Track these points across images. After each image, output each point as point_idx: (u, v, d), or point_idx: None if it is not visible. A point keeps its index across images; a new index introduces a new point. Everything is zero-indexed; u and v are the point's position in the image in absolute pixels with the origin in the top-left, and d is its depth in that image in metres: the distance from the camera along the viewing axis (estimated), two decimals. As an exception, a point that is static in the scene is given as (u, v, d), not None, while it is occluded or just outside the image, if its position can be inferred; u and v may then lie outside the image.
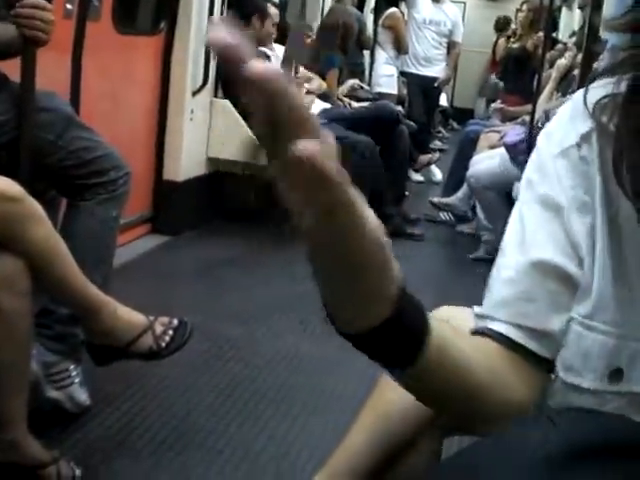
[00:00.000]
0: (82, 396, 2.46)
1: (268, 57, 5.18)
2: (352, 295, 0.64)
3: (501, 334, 0.85)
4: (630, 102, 0.80)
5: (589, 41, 2.75)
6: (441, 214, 5.89)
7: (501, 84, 8.30)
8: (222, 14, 4.81)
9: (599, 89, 0.84)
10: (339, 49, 6.30)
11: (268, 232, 4.55)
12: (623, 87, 0.82)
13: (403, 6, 8.10)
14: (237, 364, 2.97)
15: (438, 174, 7.75)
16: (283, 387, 2.82)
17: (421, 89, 7.84)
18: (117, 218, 2.55)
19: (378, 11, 8.00)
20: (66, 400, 2.43)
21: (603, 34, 3.54)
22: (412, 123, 6.63)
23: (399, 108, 7.15)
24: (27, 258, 1.97)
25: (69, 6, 3.47)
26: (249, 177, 4.85)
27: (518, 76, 7.17)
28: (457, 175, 5.82)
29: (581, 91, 0.87)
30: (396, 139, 5.56)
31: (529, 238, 0.87)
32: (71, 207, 2.50)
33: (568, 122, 0.87)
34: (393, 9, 7.66)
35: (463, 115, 10.90)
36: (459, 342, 0.78)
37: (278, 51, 5.28)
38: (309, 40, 6.26)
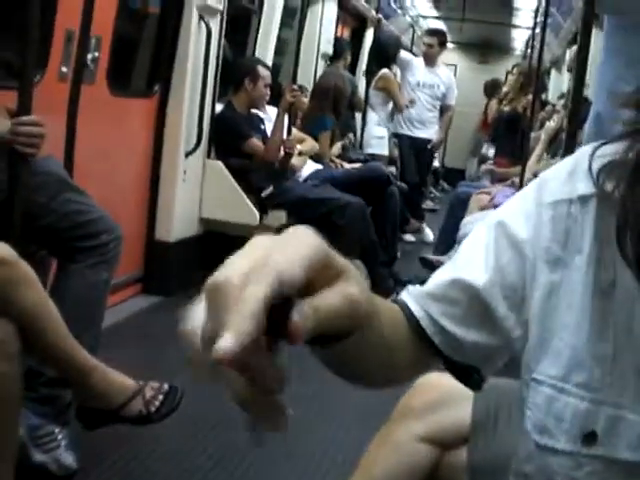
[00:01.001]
0: (69, 459, 2.43)
1: (261, 120, 5.24)
2: None
3: (415, 317, 0.90)
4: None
5: (574, 103, 2.79)
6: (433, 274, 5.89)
7: (491, 148, 8.40)
8: (216, 77, 4.88)
9: (604, 157, 0.85)
10: (331, 112, 6.38)
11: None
12: (632, 155, 0.82)
13: (395, 68, 8.21)
14: (226, 428, 2.94)
15: (429, 234, 7.79)
16: (273, 452, 2.78)
17: (414, 150, 7.92)
18: (107, 281, 2.56)
19: (370, 73, 8.11)
20: (52, 463, 2.40)
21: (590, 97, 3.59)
22: (404, 184, 6.69)
23: (391, 169, 7.23)
24: (17, 321, 1.97)
25: (64, 69, 3.52)
26: (241, 238, 4.85)
27: (508, 138, 7.24)
28: (448, 236, 5.83)
29: (585, 149, 0.87)
30: (387, 200, 5.60)
31: (480, 259, 0.89)
32: (62, 269, 2.51)
33: (566, 177, 0.87)
34: (385, 70, 7.77)
35: (454, 175, 10.99)
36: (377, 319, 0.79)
37: (271, 113, 5.33)
38: (304, 103, 6.33)
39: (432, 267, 5.83)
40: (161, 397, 2.27)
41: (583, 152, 0.88)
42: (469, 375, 0.92)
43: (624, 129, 0.84)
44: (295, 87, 5.21)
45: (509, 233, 0.88)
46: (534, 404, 0.85)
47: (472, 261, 0.89)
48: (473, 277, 0.88)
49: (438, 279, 0.92)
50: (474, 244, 0.91)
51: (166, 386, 2.30)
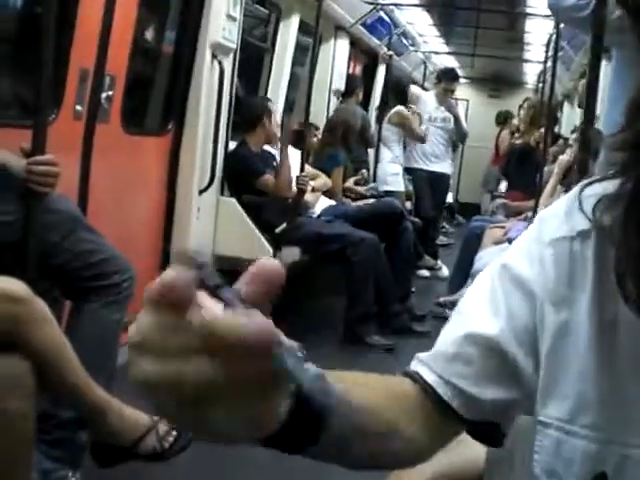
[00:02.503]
0: None
1: (274, 157, 5.26)
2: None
3: (429, 385, 0.86)
4: (635, 205, 0.80)
5: (584, 136, 2.79)
6: (448, 310, 5.87)
7: (503, 180, 8.41)
8: (229, 118, 4.91)
9: (595, 195, 0.85)
10: (342, 147, 6.41)
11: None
12: (627, 188, 0.81)
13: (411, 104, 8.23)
14: (242, 465, 2.91)
15: (444, 270, 7.76)
16: (287, 469, 2.75)
17: (429, 185, 7.90)
18: (120, 321, 2.56)
19: (382, 109, 8.15)
20: None
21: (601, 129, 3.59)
22: (417, 219, 6.68)
23: (408, 204, 7.24)
24: (33, 359, 1.97)
25: (79, 107, 3.55)
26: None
27: (521, 171, 7.25)
28: (463, 270, 5.82)
29: (580, 185, 0.87)
30: (400, 236, 5.59)
31: (488, 309, 0.86)
32: (75, 309, 2.51)
33: (564, 215, 0.87)
34: (400, 107, 7.78)
35: (468, 210, 10.99)
36: (357, 411, 0.76)
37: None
38: (315, 139, 6.36)
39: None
40: (175, 433, 2.26)
41: (576, 191, 0.87)
42: (489, 432, 0.89)
43: (613, 168, 0.84)
44: (304, 175, 5.23)
45: (514, 274, 0.87)
46: (542, 447, 0.84)
47: (480, 311, 0.87)
48: (484, 328, 0.85)
49: (448, 337, 0.88)
50: (480, 293, 0.89)
51: None
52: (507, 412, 0.88)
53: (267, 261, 0.56)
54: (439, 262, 7.90)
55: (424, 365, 0.88)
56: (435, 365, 0.87)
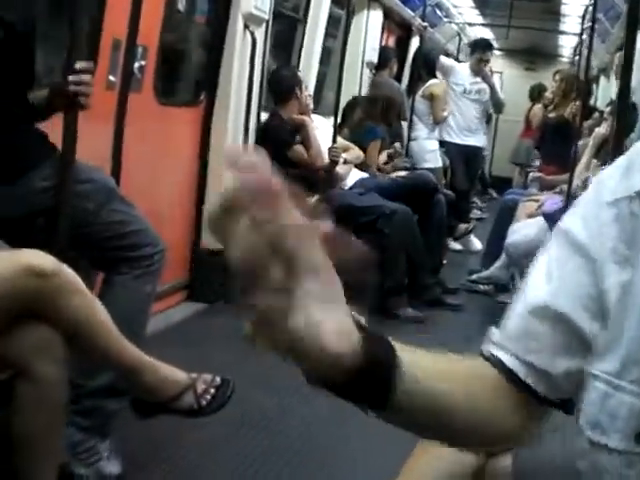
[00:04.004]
0: (112, 468, 2.45)
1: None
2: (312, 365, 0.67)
3: (503, 364, 0.88)
4: None
5: (620, 109, 2.76)
6: (481, 285, 5.84)
7: (535, 151, 8.32)
8: (262, 85, 4.90)
9: None
10: (382, 121, 6.39)
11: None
12: None
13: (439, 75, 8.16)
14: (269, 433, 2.93)
15: (477, 243, 7.70)
16: (315, 457, 2.77)
17: (463, 158, 7.83)
18: (151, 294, 2.58)
19: (413, 82, 8.08)
20: (95, 477, 2.42)
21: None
22: (450, 192, 6.64)
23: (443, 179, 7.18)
24: (66, 327, 1.99)
25: (112, 78, 3.56)
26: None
27: (555, 145, 7.16)
28: (496, 244, 5.78)
29: (637, 145, 0.86)
30: (433, 208, 5.56)
31: (550, 281, 0.87)
32: (106, 280, 2.53)
33: (623, 174, 0.86)
34: (435, 80, 7.71)
35: (501, 184, 10.90)
36: (433, 383, 0.80)
37: (317, 122, 5.35)
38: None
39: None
40: (213, 390, 2.28)
41: (637, 148, 0.86)
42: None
43: None
44: (335, 146, 5.21)
45: (571, 239, 0.87)
46: (589, 400, 0.83)
47: (538, 283, 0.88)
48: (542, 299, 0.86)
49: (513, 313, 0.90)
50: (540, 263, 0.90)
51: (218, 379, 2.31)
52: (580, 381, 0.87)
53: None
54: (471, 236, 7.85)
55: (497, 346, 0.89)
56: (508, 345, 0.88)
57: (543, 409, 0.90)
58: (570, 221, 0.88)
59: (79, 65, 2.33)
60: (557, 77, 7.74)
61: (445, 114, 7.62)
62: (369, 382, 0.72)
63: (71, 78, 2.32)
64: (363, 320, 0.72)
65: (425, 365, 0.79)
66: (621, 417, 0.80)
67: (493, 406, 0.86)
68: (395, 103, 6.61)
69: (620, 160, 0.88)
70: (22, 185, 2.39)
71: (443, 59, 8.18)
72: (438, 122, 7.61)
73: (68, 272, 2.02)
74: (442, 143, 7.86)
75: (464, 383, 0.85)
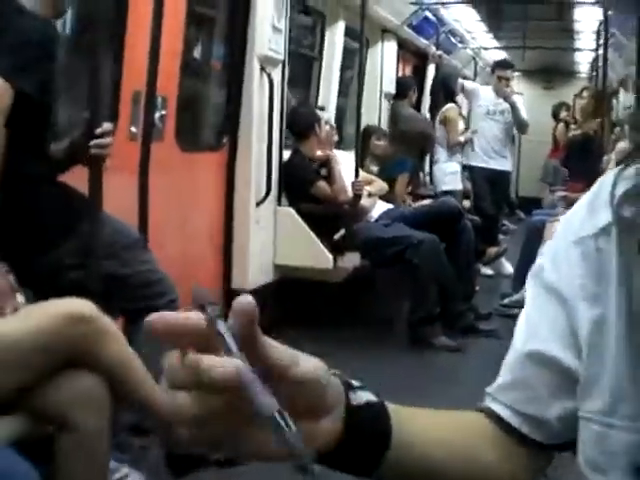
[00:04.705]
0: None
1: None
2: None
3: (498, 415, 0.88)
4: None
5: (637, 122, 2.75)
6: (514, 310, 5.80)
7: (563, 169, 8.28)
8: (281, 128, 4.94)
9: (628, 179, 0.84)
10: (416, 156, 6.42)
11: (340, 338, 4.54)
12: None
13: (460, 99, 8.15)
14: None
15: (508, 267, 7.64)
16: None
17: (488, 182, 7.76)
18: None
19: (434, 109, 8.11)
20: None
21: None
22: (476, 217, 6.63)
23: (465, 203, 7.18)
24: (104, 375, 2.00)
25: (133, 129, 3.61)
26: (316, 283, 4.89)
27: (582, 162, 7.14)
28: (525, 267, 5.74)
29: (601, 180, 0.86)
30: (460, 234, 5.55)
31: (531, 327, 0.88)
32: (134, 330, 2.55)
33: (586, 212, 0.86)
34: (449, 105, 7.73)
35: (528, 204, 10.86)
36: (428, 450, 0.82)
37: (339, 156, 5.39)
38: (380, 144, 6.32)
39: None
40: None
41: (601, 182, 0.86)
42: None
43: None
44: (359, 181, 5.25)
45: (544, 283, 0.87)
46: (585, 442, 0.83)
47: (522, 329, 0.89)
48: (528, 345, 0.87)
49: (506, 364, 0.90)
50: (524, 310, 0.90)
51: None
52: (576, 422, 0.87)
53: (242, 298, 0.62)
54: (503, 259, 7.81)
55: (492, 398, 0.90)
56: (502, 396, 0.89)
57: (544, 456, 0.90)
58: (542, 264, 0.89)
59: (100, 130, 2.38)
60: (585, 94, 7.70)
61: (461, 138, 7.63)
62: (355, 453, 0.74)
63: (93, 143, 2.36)
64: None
65: (419, 428, 0.81)
66: (619, 454, 0.80)
67: (490, 461, 0.87)
68: (432, 137, 6.68)
69: (586, 196, 0.88)
70: (50, 262, 2.40)
71: (466, 83, 8.19)
72: (452, 145, 7.61)
73: (105, 318, 2.05)
74: (467, 168, 7.84)
75: (461, 440, 0.87)
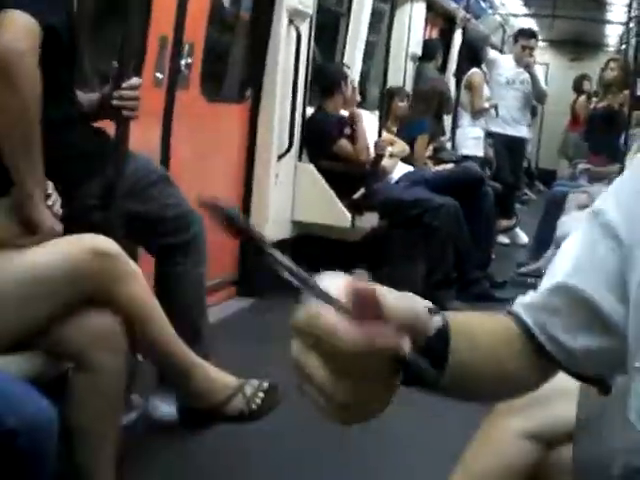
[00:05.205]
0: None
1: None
2: None
3: (527, 328, 0.89)
4: None
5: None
6: (530, 279, 5.77)
7: (584, 144, 8.21)
8: (306, 83, 4.90)
9: None
10: (434, 116, 6.37)
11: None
12: None
13: (484, 67, 8.08)
14: (324, 431, 2.92)
15: (524, 237, 7.64)
16: (370, 458, 2.75)
17: (507, 149, 7.74)
18: (204, 274, 2.61)
19: (460, 73, 8.02)
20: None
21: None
22: (497, 185, 6.58)
23: (486, 170, 7.13)
24: (123, 315, 2.00)
25: (159, 75, 3.58)
26: (333, 240, 4.88)
27: (604, 136, 7.06)
28: (544, 236, 5.73)
29: None
30: (481, 201, 5.51)
31: (576, 262, 0.87)
32: (162, 273, 2.55)
33: None
34: (473, 70, 7.66)
35: (548, 176, 10.79)
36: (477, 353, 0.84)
37: (362, 116, 5.35)
38: (403, 105, 6.27)
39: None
40: (261, 394, 2.28)
41: None
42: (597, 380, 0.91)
43: None
44: (382, 140, 5.20)
45: (603, 221, 0.86)
46: (637, 393, 0.82)
47: (566, 262, 0.88)
48: (567, 279, 0.87)
49: (541, 288, 0.90)
50: (571, 243, 0.90)
51: (265, 384, 2.30)
52: (606, 363, 0.87)
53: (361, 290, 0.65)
54: (517, 229, 7.78)
55: (523, 309, 0.90)
56: (532, 313, 0.89)
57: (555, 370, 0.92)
58: (603, 203, 0.88)
59: (126, 84, 2.34)
60: (613, 65, 7.59)
61: (485, 104, 7.56)
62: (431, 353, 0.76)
63: (115, 94, 2.33)
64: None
65: (469, 334, 0.83)
66: None
67: (516, 367, 0.88)
68: (449, 98, 6.62)
69: None
70: (74, 202, 2.39)
71: (490, 53, 8.11)
72: (476, 111, 7.56)
73: (127, 257, 2.05)
74: (489, 134, 7.79)
75: (495, 347, 0.88)
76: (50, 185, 2.08)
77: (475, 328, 0.86)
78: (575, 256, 0.87)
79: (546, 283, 0.89)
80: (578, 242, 0.88)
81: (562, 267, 0.88)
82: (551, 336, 0.87)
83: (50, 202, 2.05)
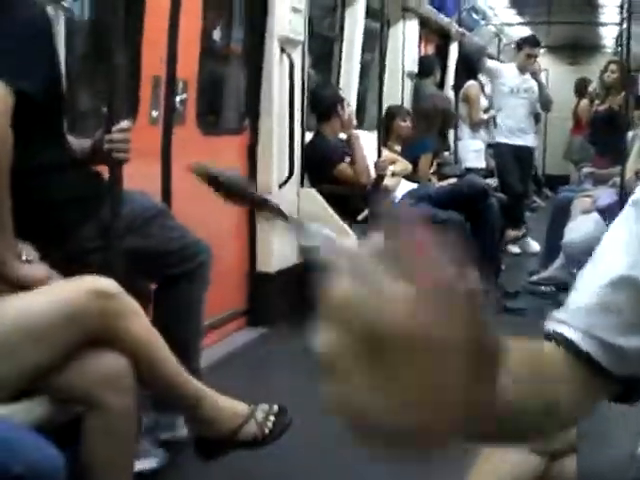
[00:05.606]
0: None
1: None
2: None
3: (575, 343, 0.81)
4: None
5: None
6: (542, 287, 5.75)
7: (589, 147, 8.19)
8: (302, 107, 4.93)
9: None
10: (438, 134, 6.39)
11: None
12: None
13: (481, 78, 8.08)
14: (336, 459, 2.92)
15: (534, 245, 7.59)
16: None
17: (514, 159, 7.69)
18: (205, 299, 2.65)
19: (458, 87, 8.05)
20: None
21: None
22: (502, 195, 6.58)
23: (489, 181, 7.13)
24: (128, 354, 2.02)
25: (154, 113, 3.62)
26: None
27: (608, 138, 7.05)
28: (553, 244, 5.71)
29: None
30: (486, 213, 5.51)
31: (630, 253, 0.82)
32: (167, 297, 2.58)
33: None
34: (470, 83, 7.68)
35: (554, 182, 10.78)
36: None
37: (361, 137, 5.37)
38: (406, 124, 6.29)
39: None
40: (272, 418, 2.30)
41: None
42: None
43: None
44: (383, 160, 5.22)
45: None
46: None
47: (620, 254, 0.83)
48: (626, 269, 0.81)
49: (587, 289, 0.84)
50: (615, 237, 0.86)
51: (275, 407, 2.33)
52: None
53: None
54: (528, 238, 7.75)
55: (564, 324, 0.83)
56: (578, 321, 0.82)
57: (605, 388, 0.84)
58: None
59: (115, 128, 2.37)
60: (613, 67, 7.58)
61: (484, 116, 7.58)
62: None
63: (106, 138, 2.37)
64: None
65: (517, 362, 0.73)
66: None
67: (561, 393, 0.81)
68: (452, 115, 6.63)
69: None
70: (71, 246, 2.41)
71: (490, 63, 8.11)
72: (474, 123, 7.56)
73: (128, 296, 2.07)
74: (492, 146, 7.78)
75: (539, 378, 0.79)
76: (26, 249, 2.12)
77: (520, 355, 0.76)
78: (627, 247, 0.82)
79: (596, 281, 0.83)
80: (625, 235, 0.84)
81: (615, 261, 0.83)
82: (605, 343, 0.80)
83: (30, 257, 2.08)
